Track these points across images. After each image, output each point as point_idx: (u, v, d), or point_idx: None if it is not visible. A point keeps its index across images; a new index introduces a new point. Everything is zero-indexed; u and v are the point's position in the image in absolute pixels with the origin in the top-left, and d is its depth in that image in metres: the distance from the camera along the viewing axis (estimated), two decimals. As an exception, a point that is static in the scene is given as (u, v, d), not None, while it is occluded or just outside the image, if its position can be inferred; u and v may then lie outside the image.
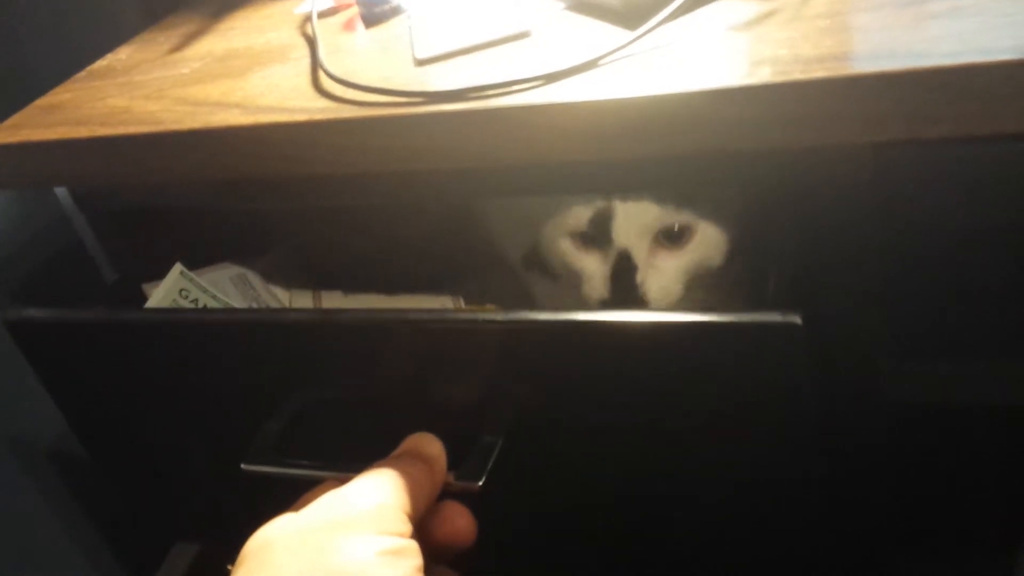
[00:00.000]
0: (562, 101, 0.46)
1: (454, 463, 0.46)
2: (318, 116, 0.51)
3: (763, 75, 0.43)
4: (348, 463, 0.46)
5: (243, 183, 0.61)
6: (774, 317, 0.43)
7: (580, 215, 0.59)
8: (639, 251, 0.58)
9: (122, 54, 0.72)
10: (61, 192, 0.81)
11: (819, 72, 0.42)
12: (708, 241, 0.59)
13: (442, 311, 0.50)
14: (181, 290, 0.66)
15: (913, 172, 0.48)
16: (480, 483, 0.47)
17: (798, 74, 0.42)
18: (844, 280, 0.51)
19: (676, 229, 0.58)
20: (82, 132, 0.58)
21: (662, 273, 0.59)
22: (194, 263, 0.74)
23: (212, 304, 0.67)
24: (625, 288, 0.58)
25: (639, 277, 0.58)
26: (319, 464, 0.50)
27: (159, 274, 0.67)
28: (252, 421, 0.55)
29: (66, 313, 0.58)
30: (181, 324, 0.57)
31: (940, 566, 0.68)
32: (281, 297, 0.73)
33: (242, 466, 0.52)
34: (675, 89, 0.44)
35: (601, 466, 0.52)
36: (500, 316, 0.48)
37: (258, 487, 0.50)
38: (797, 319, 0.43)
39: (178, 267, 0.66)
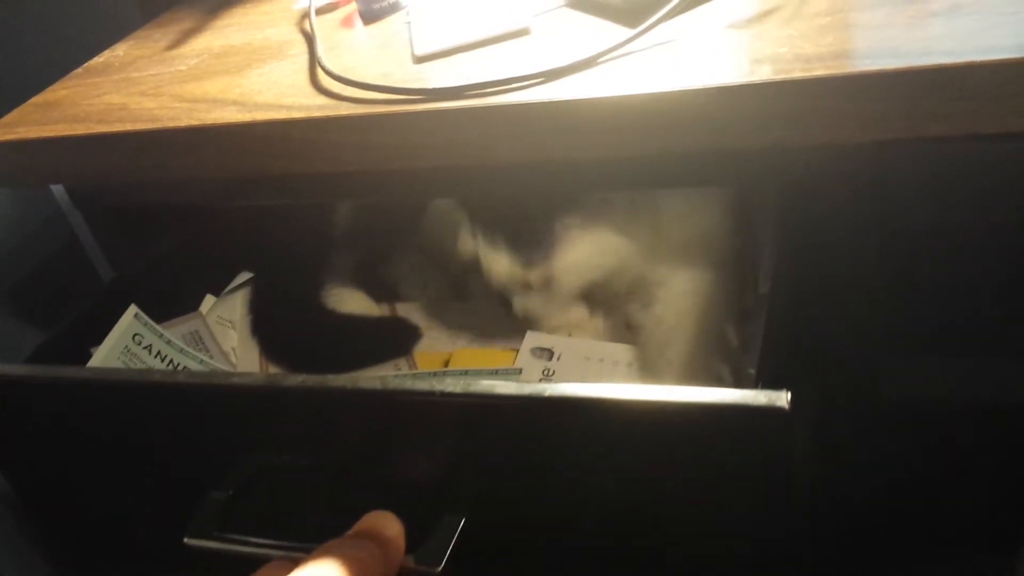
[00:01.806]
0: (562, 99, 0.46)
1: (413, 544, 0.43)
2: (316, 113, 0.51)
3: (764, 73, 0.43)
4: (297, 540, 0.43)
5: (240, 180, 0.60)
6: (759, 400, 0.38)
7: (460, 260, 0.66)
8: (512, 292, 0.65)
9: (119, 51, 0.72)
10: (57, 189, 0.80)
11: (820, 70, 0.42)
12: (580, 260, 0.63)
13: (397, 379, 0.46)
14: (135, 335, 0.61)
15: (913, 170, 0.48)
16: (440, 568, 0.43)
17: (799, 72, 0.42)
18: (843, 277, 0.51)
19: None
20: (79, 129, 0.57)
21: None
22: (194, 258, 0.74)
23: (168, 350, 0.63)
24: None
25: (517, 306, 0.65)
26: (266, 542, 0.47)
27: (156, 271, 0.66)
28: (198, 490, 0.51)
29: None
30: (119, 385, 0.52)
31: (940, 566, 0.68)
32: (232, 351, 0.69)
33: (184, 540, 0.49)
34: (675, 87, 0.44)
35: (570, 549, 0.48)
36: (459, 389, 0.44)
37: (206, 560, 0.48)
38: (784, 403, 0.38)
39: (132, 310, 0.62)
